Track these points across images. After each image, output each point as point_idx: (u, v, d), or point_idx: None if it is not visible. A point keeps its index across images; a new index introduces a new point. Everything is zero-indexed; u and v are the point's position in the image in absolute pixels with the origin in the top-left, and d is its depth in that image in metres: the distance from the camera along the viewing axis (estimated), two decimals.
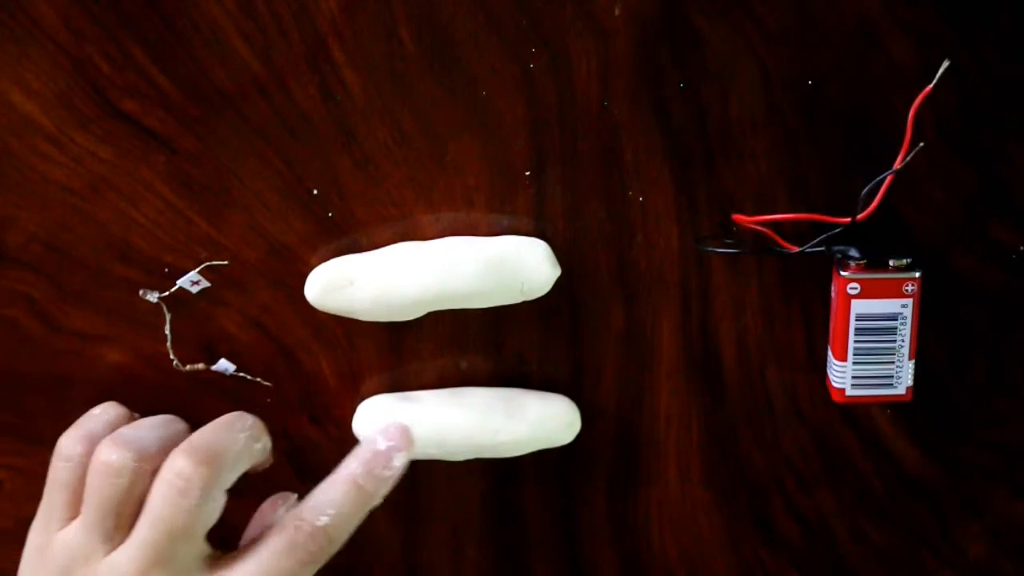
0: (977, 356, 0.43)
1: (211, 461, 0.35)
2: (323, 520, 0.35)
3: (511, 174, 0.41)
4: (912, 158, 0.41)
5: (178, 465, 0.35)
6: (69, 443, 0.38)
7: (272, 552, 0.35)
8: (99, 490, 0.35)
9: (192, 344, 0.42)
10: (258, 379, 0.43)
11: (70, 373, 0.42)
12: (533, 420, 0.41)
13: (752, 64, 0.40)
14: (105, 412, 0.40)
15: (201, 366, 0.42)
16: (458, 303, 0.40)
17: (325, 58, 0.39)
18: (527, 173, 0.41)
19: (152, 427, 0.39)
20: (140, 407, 0.42)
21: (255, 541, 0.36)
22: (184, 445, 0.36)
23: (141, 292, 0.41)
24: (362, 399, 0.43)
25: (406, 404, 0.41)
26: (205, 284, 0.41)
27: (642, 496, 0.45)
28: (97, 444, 0.37)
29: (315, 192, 0.41)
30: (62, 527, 0.37)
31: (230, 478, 0.36)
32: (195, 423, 0.43)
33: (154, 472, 0.36)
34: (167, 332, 0.42)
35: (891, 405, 0.43)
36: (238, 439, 0.37)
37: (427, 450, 0.41)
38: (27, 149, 0.40)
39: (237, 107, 0.40)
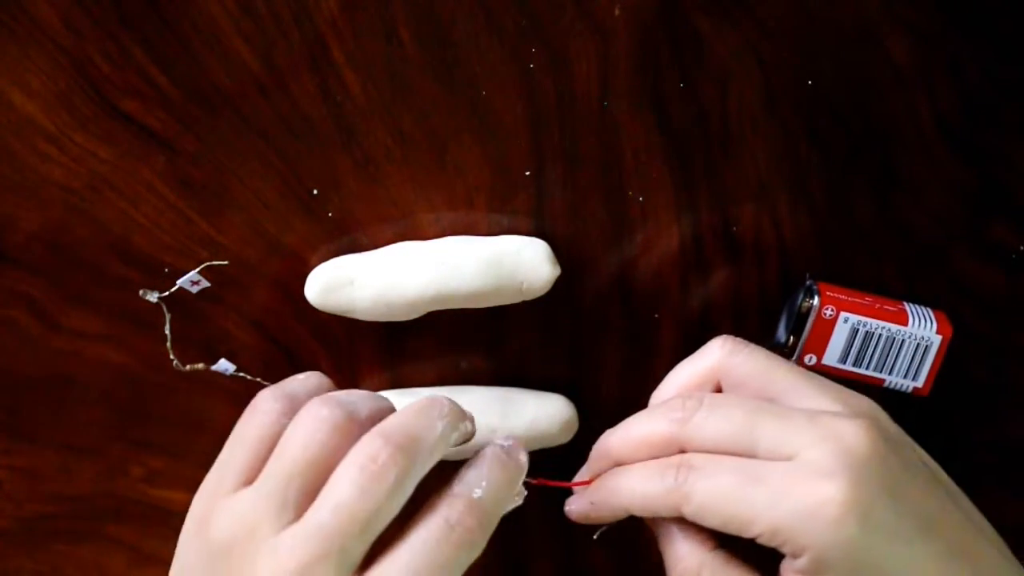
0: (977, 356, 0.43)
1: (409, 448, 0.30)
2: (477, 493, 0.31)
3: (511, 174, 0.41)
4: (912, 158, 0.41)
5: (374, 447, 0.29)
6: (269, 396, 0.32)
7: (427, 536, 0.30)
8: (292, 450, 0.30)
9: (192, 344, 0.42)
10: (258, 379, 0.43)
11: (70, 373, 0.42)
12: (530, 420, 0.41)
13: (752, 64, 0.40)
14: (309, 378, 0.34)
15: (201, 366, 0.42)
16: (458, 303, 0.40)
17: (325, 58, 0.39)
18: (527, 173, 0.41)
19: (363, 398, 0.33)
20: (140, 407, 0.42)
21: (404, 525, 0.30)
22: (379, 427, 0.31)
23: (141, 292, 0.41)
24: None
25: (405, 401, 0.41)
26: (205, 284, 0.41)
27: None
28: (298, 407, 0.32)
29: (315, 192, 0.41)
30: (234, 491, 0.31)
31: (424, 469, 0.31)
32: (195, 423, 0.43)
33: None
34: (167, 332, 0.42)
35: (892, 407, 0.43)
36: (435, 426, 0.32)
37: None
38: (27, 149, 0.40)
39: (237, 107, 0.40)
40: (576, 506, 0.36)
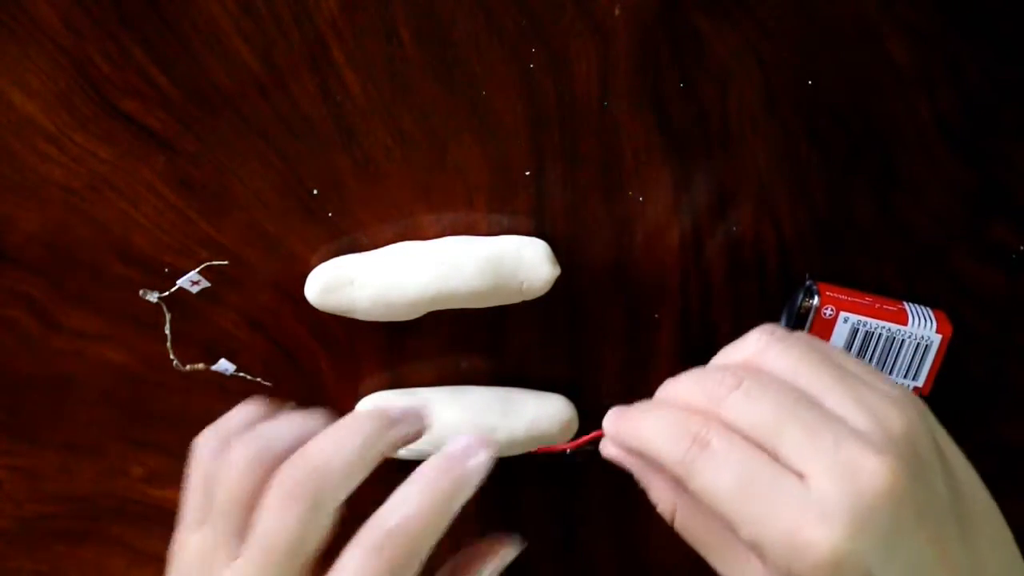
0: (977, 356, 0.43)
1: (319, 472, 0.32)
2: (394, 521, 0.32)
3: (511, 174, 0.41)
4: (912, 158, 0.41)
5: (284, 477, 0.31)
6: (204, 438, 0.35)
7: (354, 562, 0.31)
8: (219, 491, 0.32)
9: (192, 344, 0.42)
10: (258, 379, 0.43)
11: (70, 373, 0.42)
12: (530, 419, 0.41)
13: (752, 64, 0.40)
14: (240, 411, 0.36)
15: (201, 366, 0.42)
16: (458, 303, 0.40)
17: (325, 58, 0.39)
18: (527, 173, 0.41)
19: (287, 426, 0.35)
20: (140, 407, 0.42)
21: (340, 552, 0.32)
22: (291, 457, 0.32)
23: (141, 292, 0.41)
24: (362, 399, 0.43)
25: (404, 400, 0.42)
26: (205, 284, 0.41)
27: (641, 496, 0.44)
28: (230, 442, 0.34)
29: (315, 192, 0.41)
30: (192, 532, 0.33)
31: (342, 489, 0.32)
32: (195, 423, 0.43)
33: None
34: (167, 332, 0.42)
35: None
36: (347, 447, 0.33)
37: (422, 448, 0.41)
38: (27, 149, 0.40)
39: (237, 107, 0.40)
40: (606, 450, 0.35)
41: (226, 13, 0.39)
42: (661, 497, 0.33)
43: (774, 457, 0.29)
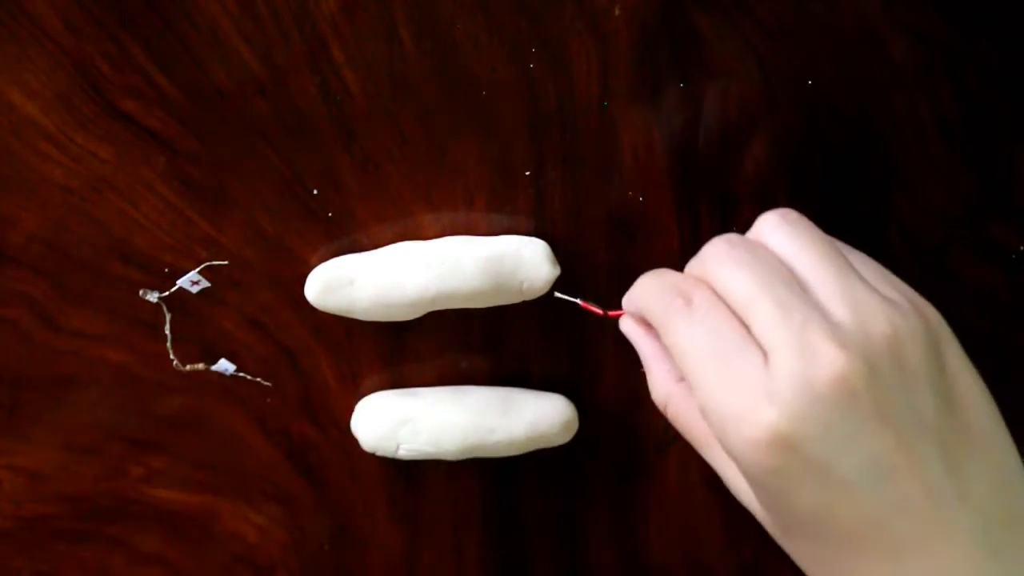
0: (977, 356, 0.43)
1: None
2: None
3: (511, 174, 0.41)
4: (912, 158, 0.41)
5: None
6: None
7: None
8: None
9: (192, 344, 0.42)
10: (258, 379, 0.43)
11: (70, 373, 0.42)
12: (529, 419, 0.41)
13: (752, 64, 0.40)
14: None
15: (201, 366, 0.42)
16: (458, 303, 0.40)
17: (325, 58, 0.39)
18: (527, 173, 0.41)
19: None
20: (140, 407, 0.42)
21: None
22: None
23: (141, 292, 0.41)
24: (362, 398, 0.43)
25: (403, 400, 0.42)
26: (205, 284, 0.41)
27: (641, 496, 0.45)
28: None
29: (315, 192, 0.41)
30: None
31: None
32: (195, 423, 0.43)
33: None
34: (167, 332, 0.42)
35: None
36: None
37: (423, 448, 0.41)
38: (27, 149, 0.40)
39: (237, 107, 0.40)
40: (623, 324, 0.36)
41: (226, 13, 0.39)
42: (657, 385, 0.33)
43: (748, 329, 0.28)
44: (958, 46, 0.40)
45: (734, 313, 0.29)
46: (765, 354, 0.27)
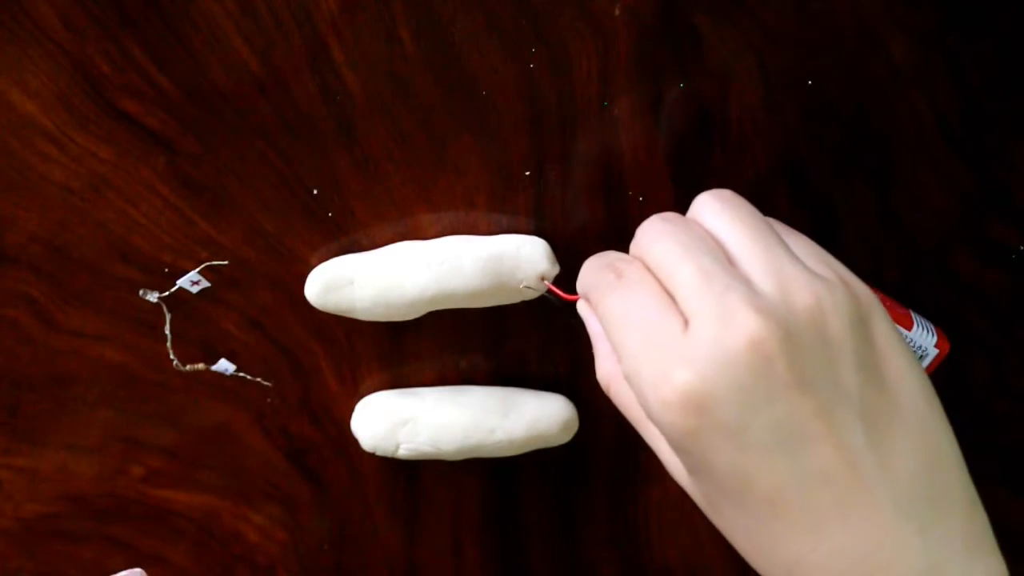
0: (977, 356, 0.43)
1: None
2: None
3: (511, 174, 0.41)
4: (912, 158, 0.41)
5: None
6: None
7: None
8: None
9: (192, 344, 0.42)
10: (258, 379, 0.43)
11: (70, 373, 0.42)
12: (529, 419, 0.41)
13: (752, 64, 0.40)
14: None
15: (201, 366, 0.42)
16: (458, 302, 0.40)
17: (325, 58, 0.39)
18: (527, 173, 0.41)
19: None
20: (140, 407, 0.42)
21: None
22: None
23: (141, 292, 0.41)
24: (362, 398, 0.43)
25: (403, 400, 0.42)
26: (205, 284, 0.41)
27: (641, 496, 0.45)
28: None
29: (315, 192, 0.41)
30: None
31: None
32: (195, 423, 0.43)
33: None
34: (167, 332, 0.42)
35: None
36: None
37: (423, 448, 0.41)
38: (27, 149, 0.40)
39: (237, 107, 0.40)
40: (580, 308, 0.35)
41: (226, 13, 0.39)
42: (601, 365, 0.34)
43: (673, 299, 0.28)
44: (958, 46, 0.40)
45: (662, 285, 0.29)
46: (687, 321, 0.28)
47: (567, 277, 0.41)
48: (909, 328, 0.40)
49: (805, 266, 0.29)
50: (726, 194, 0.31)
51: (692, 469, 0.29)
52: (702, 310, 0.27)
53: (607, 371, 0.33)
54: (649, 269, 0.30)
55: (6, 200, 0.40)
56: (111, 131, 0.40)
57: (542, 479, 0.44)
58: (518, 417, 0.41)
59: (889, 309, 0.40)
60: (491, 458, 0.42)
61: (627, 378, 0.29)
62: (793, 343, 0.27)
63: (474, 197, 0.41)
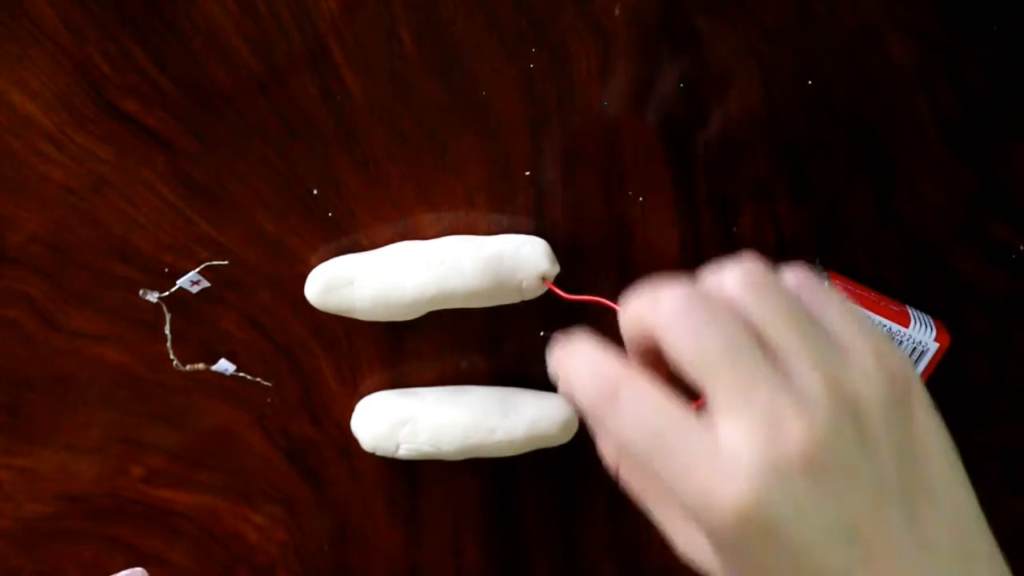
0: (977, 356, 0.43)
1: None
2: None
3: (511, 174, 0.41)
4: (912, 158, 0.41)
5: None
6: None
7: None
8: None
9: (192, 344, 0.42)
10: (258, 379, 0.43)
11: (70, 373, 0.42)
12: (529, 419, 0.41)
13: (752, 64, 0.40)
14: None
15: (201, 366, 0.42)
16: (458, 302, 0.40)
17: (325, 58, 0.39)
18: (527, 173, 0.41)
19: None
20: (140, 407, 0.42)
21: None
22: None
23: (141, 292, 0.41)
24: (362, 398, 0.43)
25: (403, 400, 0.41)
26: (205, 284, 0.41)
27: None
28: None
29: (315, 192, 0.41)
30: None
31: None
32: (195, 423, 0.43)
33: None
34: (167, 332, 0.42)
35: None
36: None
37: (423, 448, 0.41)
38: (27, 149, 0.40)
39: (237, 107, 0.40)
40: (560, 388, 0.33)
41: (226, 13, 0.39)
42: (606, 450, 0.33)
43: (705, 397, 0.27)
44: (958, 46, 0.40)
45: (673, 379, 0.28)
46: (717, 425, 0.27)
47: (567, 277, 0.41)
48: (906, 325, 0.40)
49: (844, 352, 0.28)
50: (759, 274, 0.30)
51: (734, 568, 0.29)
52: (746, 419, 0.27)
53: (614, 456, 0.32)
54: (670, 358, 0.29)
55: (6, 200, 0.40)
56: (111, 131, 0.40)
57: (542, 479, 0.44)
58: (518, 417, 0.41)
59: (885, 307, 0.40)
60: (491, 458, 0.42)
61: (675, 496, 0.28)
62: (839, 445, 0.27)
63: (474, 197, 0.41)
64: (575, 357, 0.30)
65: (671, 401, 0.28)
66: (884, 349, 0.29)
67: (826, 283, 0.30)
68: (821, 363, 0.28)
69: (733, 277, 0.30)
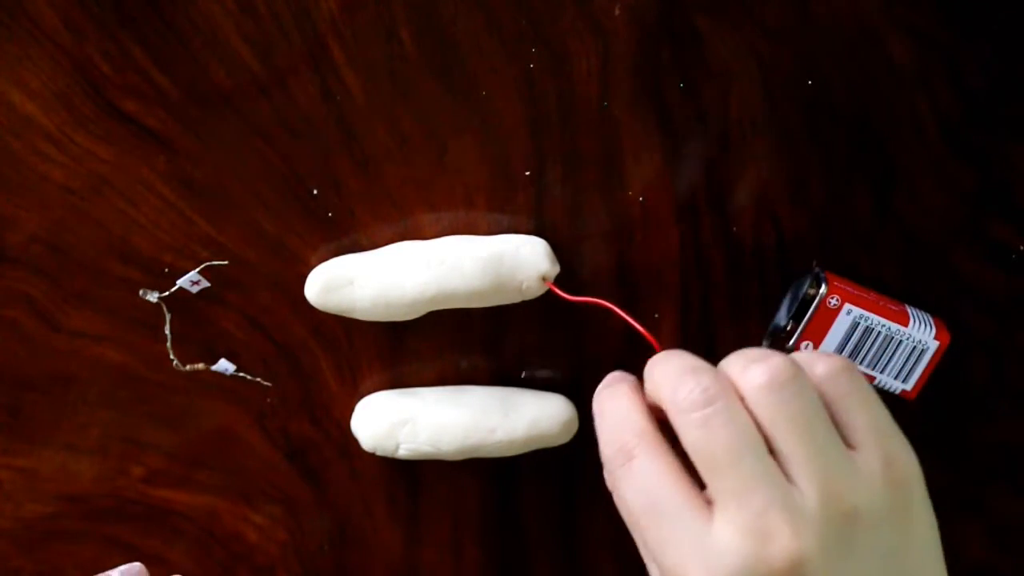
0: (977, 356, 0.43)
1: None
2: None
3: (511, 174, 0.41)
4: (912, 158, 0.41)
5: None
6: None
7: None
8: None
9: (192, 344, 0.42)
10: (258, 379, 0.43)
11: (70, 373, 0.42)
12: (530, 419, 0.41)
13: (752, 64, 0.40)
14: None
15: (201, 366, 0.42)
16: (458, 302, 0.40)
17: (325, 58, 0.39)
18: (527, 173, 0.41)
19: None
20: (140, 407, 0.42)
21: None
22: None
23: (141, 292, 0.41)
24: (362, 398, 0.43)
25: (403, 400, 0.41)
26: (205, 284, 0.41)
27: None
28: None
29: (315, 192, 0.41)
30: None
31: None
32: (195, 423, 0.43)
33: None
34: (167, 332, 0.42)
35: (890, 405, 0.43)
36: None
37: (423, 448, 0.41)
38: (27, 149, 0.40)
39: (237, 107, 0.40)
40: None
41: (226, 13, 0.39)
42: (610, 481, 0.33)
43: (707, 487, 0.28)
44: (958, 46, 0.40)
45: (682, 462, 0.29)
46: (711, 518, 0.28)
47: (567, 277, 0.41)
48: (905, 324, 0.40)
49: (851, 458, 0.29)
50: (781, 373, 0.29)
51: None
52: (739, 522, 0.27)
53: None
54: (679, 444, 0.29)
55: (6, 200, 0.40)
56: (111, 131, 0.40)
57: (542, 479, 0.44)
58: (518, 417, 0.41)
59: (884, 307, 0.40)
60: (491, 458, 0.42)
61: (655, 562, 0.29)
62: (824, 561, 0.27)
63: (474, 197, 0.41)
64: (609, 403, 0.32)
65: (680, 478, 0.29)
66: (895, 453, 0.29)
67: (856, 372, 0.30)
68: (823, 474, 0.28)
69: (755, 374, 0.29)
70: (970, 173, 0.41)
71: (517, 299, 0.41)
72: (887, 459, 0.29)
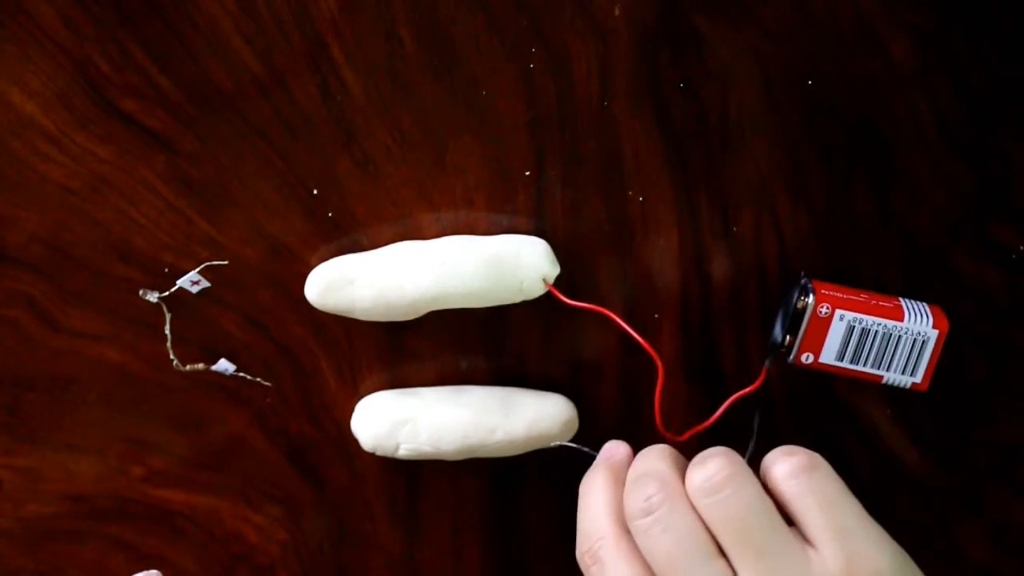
0: (977, 356, 0.43)
1: None
2: None
3: (511, 174, 0.41)
4: (912, 158, 0.41)
5: None
6: None
7: None
8: None
9: (192, 344, 0.42)
10: (258, 379, 0.43)
11: (70, 373, 0.42)
12: (530, 419, 0.41)
13: (752, 64, 0.40)
14: None
15: (201, 366, 0.42)
16: (458, 303, 0.40)
17: (325, 58, 0.39)
18: (527, 173, 0.41)
19: None
20: (140, 407, 0.42)
21: None
22: None
23: (141, 292, 0.41)
24: (362, 398, 0.43)
25: (403, 400, 0.42)
26: (205, 284, 0.41)
27: None
28: None
29: (315, 192, 0.41)
30: None
31: None
32: (195, 423, 0.43)
33: None
34: (167, 332, 0.42)
35: (891, 405, 0.43)
36: None
37: (423, 448, 0.41)
38: (27, 149, 0.40)
39: (237, 107, 0.40)
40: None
41: (226, 13, 0.39)
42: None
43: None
44: (958, 46, 0.40)
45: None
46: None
47: (567, 277, 0.41)
48: (900, 320, 0.40)
49: (806, 559, 0.30)
50: (716, 478, 0.31)
51: None
52: None
53: None
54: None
55: (6, 200, 0.40)
56: (111, 131, 0.40)
57: (542, 479, 0.44)
58: (518, 417, 0.41)
59: (876, 306, 0.40)
60: (491, 458, 0.42)
61: None
62: None
63: (474, 197, 0.41)
64: (585, 498, 0.34)
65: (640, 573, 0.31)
66: (859, 551, 0.30)
67: (820, 469, 0.32)
68: (767, 574, 0.29)
69: (693, 477, 0.31)
70: (970, 173, 0.41)
71: (518, 299, 0.41)
72: (849, 558, 0.29)
